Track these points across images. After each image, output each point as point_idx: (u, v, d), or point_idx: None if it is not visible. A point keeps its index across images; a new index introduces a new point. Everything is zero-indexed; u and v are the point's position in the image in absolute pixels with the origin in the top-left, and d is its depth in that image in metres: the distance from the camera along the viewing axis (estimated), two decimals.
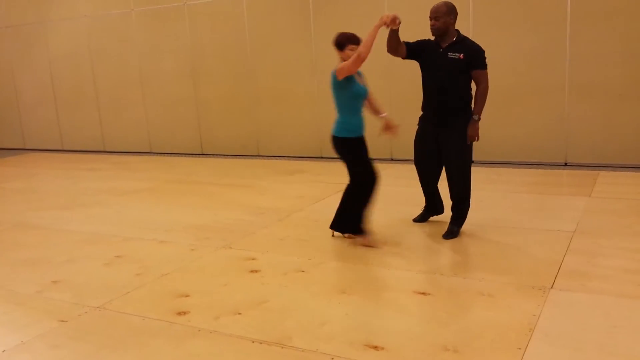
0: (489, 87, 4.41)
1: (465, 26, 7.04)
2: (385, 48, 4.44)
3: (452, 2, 4.39)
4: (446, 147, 4.51)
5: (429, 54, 4.48)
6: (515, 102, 7.22)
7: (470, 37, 4.64)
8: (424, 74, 4.59)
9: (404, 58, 4.56)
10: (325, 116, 8.51)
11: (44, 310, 3.64)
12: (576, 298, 3.38)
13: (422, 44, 4.55)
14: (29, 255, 4.74)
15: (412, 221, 5.01)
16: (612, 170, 6.67)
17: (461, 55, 4.31)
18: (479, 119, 4.36)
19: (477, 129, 4.40)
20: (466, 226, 4.68)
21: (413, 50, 4.52)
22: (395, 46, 4.40)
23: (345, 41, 4.22)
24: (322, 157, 8.54)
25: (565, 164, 7.08)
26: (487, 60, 4.41)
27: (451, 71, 4.37)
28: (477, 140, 4.44)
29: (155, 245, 4.84)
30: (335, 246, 4.55)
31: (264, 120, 8.98)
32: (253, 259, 4.33)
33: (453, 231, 4.57)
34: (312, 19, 8.24)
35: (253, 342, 3.06)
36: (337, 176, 7.12)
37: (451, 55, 4.34)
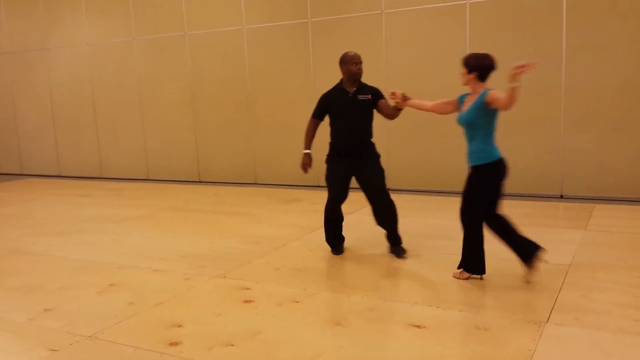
0: None
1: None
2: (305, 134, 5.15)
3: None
4: (368, 173, 4.93)
5: (338, 102, 4.94)
6: (511, 134, 7.26)
7: None
8: (337, 119, 4.99)
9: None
10: (322, 145, 8.55)
11: (35, 338, 3.60)
12: (572, 333, 3.36)
13: (325, 101, 5.01)
14: (21, 282, 4.71)
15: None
16: (608, 203, 6.68)
17: (369, 96, 4.91)
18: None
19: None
20: (459, 257, 4.64)
21: (323, 114, 5.05)
22: (314, 134, 5.12)
23: None
24: (319, 186, 8.54)
25: (561, 197, 7.10)
26: None
27: (364, 110, 4.91)
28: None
29: (150, 273, 4.81)
30: (330, 277, 4.53)
31: (262, 149, 9.01)
32: (247, 289, 4.30)
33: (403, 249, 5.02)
34: (311, 48, 8.34)
35: None
36: None
37: (361, 97, 4.90)
